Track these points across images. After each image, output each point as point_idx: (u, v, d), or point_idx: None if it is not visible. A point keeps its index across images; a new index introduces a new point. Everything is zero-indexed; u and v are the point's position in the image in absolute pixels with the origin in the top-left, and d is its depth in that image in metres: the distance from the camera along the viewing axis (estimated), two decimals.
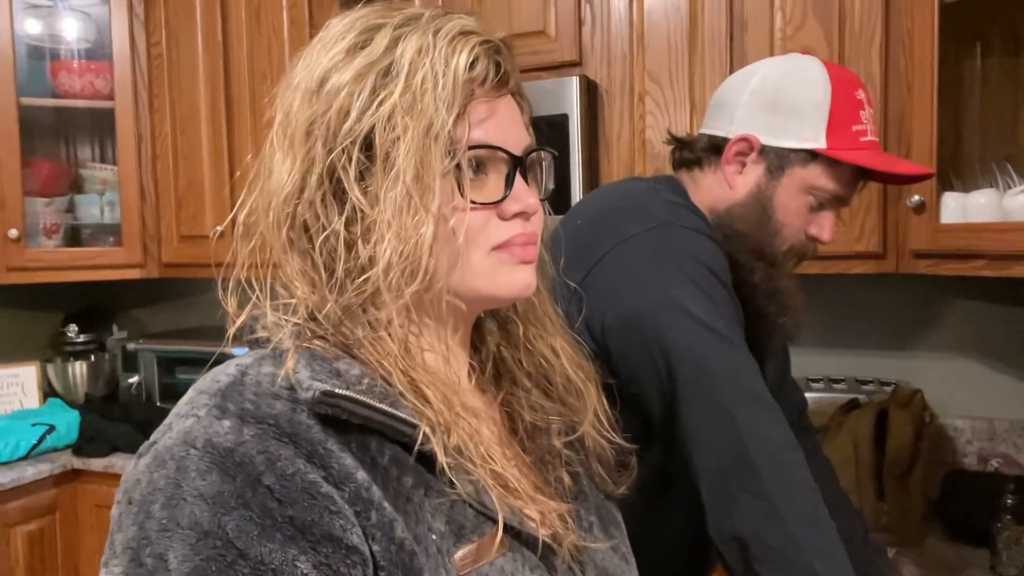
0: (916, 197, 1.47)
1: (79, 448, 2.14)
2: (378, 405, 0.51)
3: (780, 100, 0.98)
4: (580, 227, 0.97)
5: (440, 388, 0.56)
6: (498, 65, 0.57)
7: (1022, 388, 1.75)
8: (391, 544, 0.49)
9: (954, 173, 1.59)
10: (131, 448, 2.12)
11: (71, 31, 2.35)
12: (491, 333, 0.68)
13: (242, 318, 0.58)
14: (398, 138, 0.53)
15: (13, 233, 2.18)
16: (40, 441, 2.11)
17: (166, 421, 0.52)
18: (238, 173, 2.25)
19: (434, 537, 0.52)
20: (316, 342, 0.55)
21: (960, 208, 1.48)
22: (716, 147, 1.03)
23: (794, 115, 0.98)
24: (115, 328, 2.65)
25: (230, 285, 0.58)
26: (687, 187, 1.05)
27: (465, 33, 0.56)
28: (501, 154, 0.57)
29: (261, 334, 0.56)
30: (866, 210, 1.59)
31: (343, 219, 0.54)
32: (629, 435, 0.93)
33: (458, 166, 0.54)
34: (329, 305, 0.54)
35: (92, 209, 2.41)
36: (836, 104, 0.97)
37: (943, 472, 1.63)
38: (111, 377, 2.52)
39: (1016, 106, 1.64)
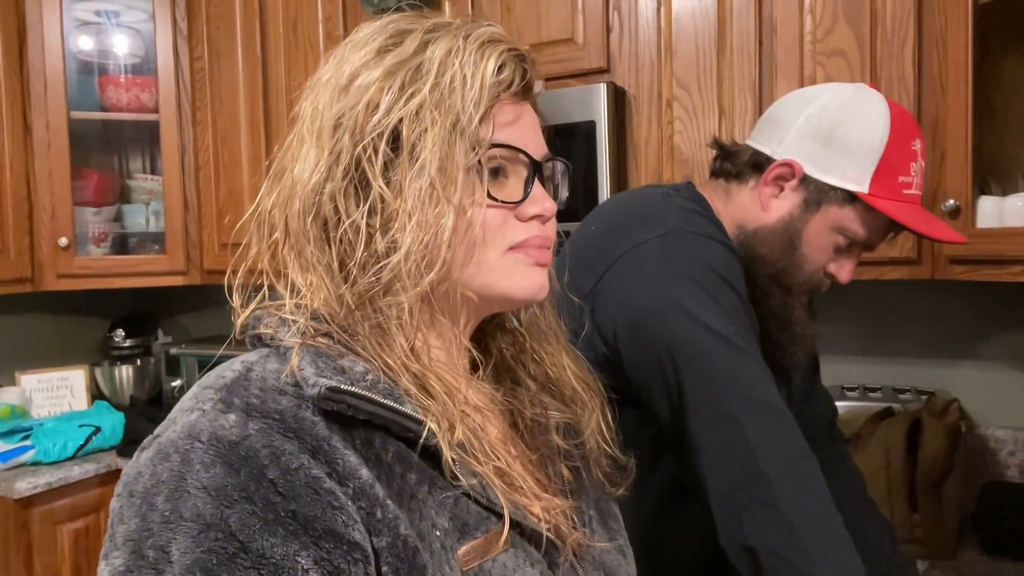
0: (951, 201, 1.44)
1: (123, 449, 2.21)
2: (382, 401, 0.52)
3: (835, 134, 0.95)
4: (593, 233, 0.98)
5: (444, 383, 0.57)
6: (524, 73, 0.59)
7: None
8: (396, 540, 0.50)
9: (990, 177, 1.55)
10: None
11: (121, 47, 2.44)
12: (494, 338, 0.69)
13: (246, 314, 0.59)
14: (425, 131, 0.54)
15: (63, 241, 2.27)
16: (87, 442, 2.18)
17: (170, 416, 0.53)
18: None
19: (438, 533, 0.52)
20: (320, 339, 0.55)
21: (997, 212, 1.44)
22: (758, 164, 1.00)
23: (844, 153, 0.95)
24: (160, 333, 2.74)
25: (237, 280, 0.60)
26: (717, 197, 1.04)
27: (494, 40, 0.58)
28: (523, 157, 0.59)
29: (264, 331, 0.57)
30: None
31: (365, 210, 0.55)
32: (644, 441, 0.93)
33: (480, 163, 0.56)
34: (343, 293, 0.55)
35: (138, 218, 2.49)
36: (889, 151, 0.94)
37: (981, 484, 1.58)
38: (156, 381, 2.59)
39: None
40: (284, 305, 0.58)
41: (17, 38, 2.21)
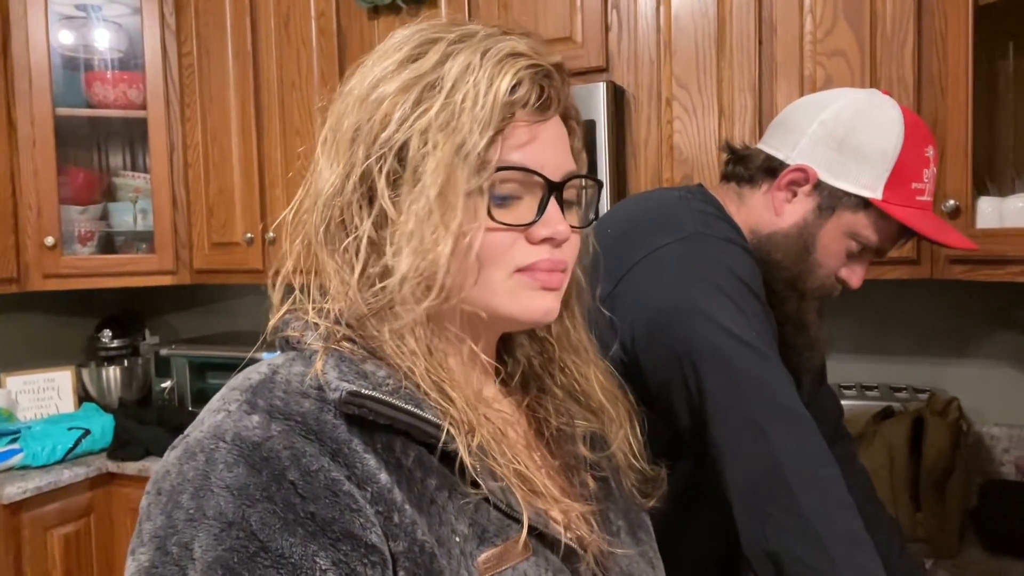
0: (951, 202, 1.45)
1: (113, 451, 2.18)
2: (403, 406, 0.52)
3: (849, 140, 0.95)
4: (609, 237, 0.97)
5: (463, 390, 0.57)
6: (542, 89, 0.57)
7: None
8: (413, 545, 0.50)
9: (989, 177, 1.56)
10: (164, 452, 2.13)
11: (107, 42, 2.40)
12: (521, 346, 0.69)
13: (276, 317, 0.60)
14: (428, 153, 0.54)
15: (49, 241, 2.23)
16: (76, 445, 2.15)
17: (199, 416, 0.54)
18: (289, 177, 2.27)
19: (457, 539, 0.52)
20: (344, 344, 0.56)
21: (996, 213, 1.45)
22: (771, 169, 1.00)
23: (859, 159, 0.95)
24: (148, 333, 2.70)
25: (278, 282, 0.59)
26: (730, 200, 1.03)
27: (514, 55, 0.56)
28: (536, 178, 0.57)
29: (291, 334, 0.58)
30: None
31: (371, 221, 0.55)
32: (660, 446, 0.92)
33: (483, 188, 0.55)
34: (355, 302, 0.56)
35: (125, 217, 2.45)
36: (903, 158, 0.94)
37: (979, 481, 1.60)
38: (144, 382, 2.56)
39: None
40: (310, 310, 0.59)
41: (1, 33, 2.16)
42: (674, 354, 0.87)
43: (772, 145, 1.02)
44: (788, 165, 0.98)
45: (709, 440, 0.86)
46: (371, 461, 0.51)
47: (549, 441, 0.66)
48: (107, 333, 2.58)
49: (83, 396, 2.50)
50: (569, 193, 0.61)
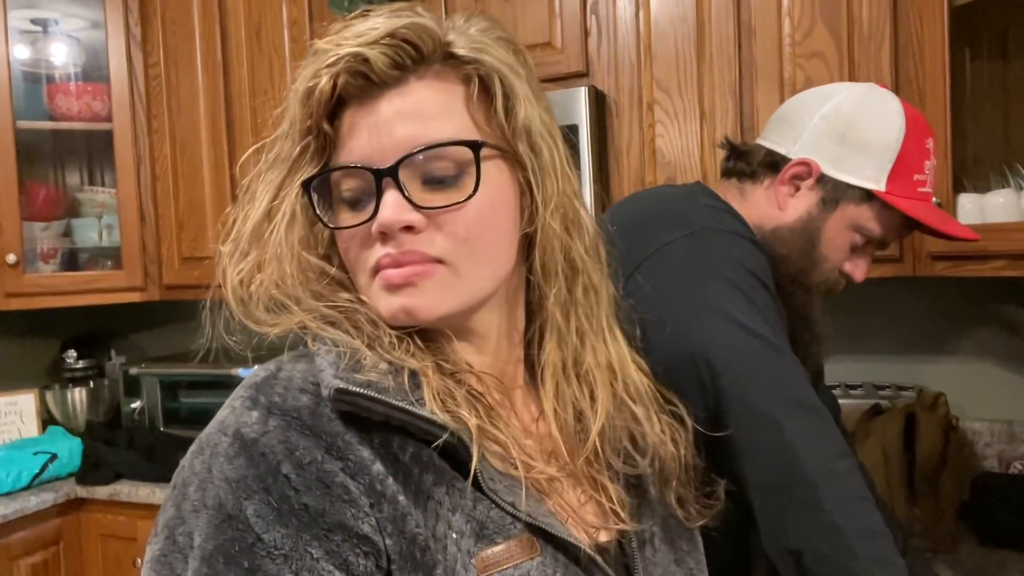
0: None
1: (82, 476, 2.09)
2: (396, 403, 0.51)
3: (851, 133, 0.96)
4: (615, 234, 0.95)
5: (473, 389, 0.56)
6: (355, 74, 0.54)
7: None
8: (402, 538, 0.50)
9: (964, 175, 1.59)
10: (135, 475, 2.08)
11: (61, 55, 2.32)
12: (540, 343, 0.66)
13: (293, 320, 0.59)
14: (266, 167, 0.58)
15: (11, 258, 2.14)
16: (42, 470, 2.06)
17: (218, 412, 0.55)
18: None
19: (453, 535, 0.52)
20: (330, 330, 0.56)
21: (977, 209, 1.47)
22: (773, 164, 1.00)
23: (862, 151, 0.95)
24: (113, 353, 2.61)
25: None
26: (731, 197, 1.03)
27: (317, 52, 0.55)
28: (357, 170, 0.55)
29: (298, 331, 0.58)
30: None
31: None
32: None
33: (313, 194, 0.57)
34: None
35: (90, 233, 2.37)
36: (905, 149, 0.95)
37: (967, 476, 1.61)
38: (111, 403, 2.47)
39: None
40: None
41: None
42: (687, 352, 0.85)
43: (773, 140, 1.01)
44: (790, 159, 0.98)
45: (725, 437, 0.84)
46: (365, 453, 0.51)
47: (573, 440, 0.64)
48: (72, 354, 2.48)
49: (47, 420, 2.40)
50: (440, 166, 0.54)
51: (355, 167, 0.55)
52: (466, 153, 0.55)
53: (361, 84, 0.54)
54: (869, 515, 0.81)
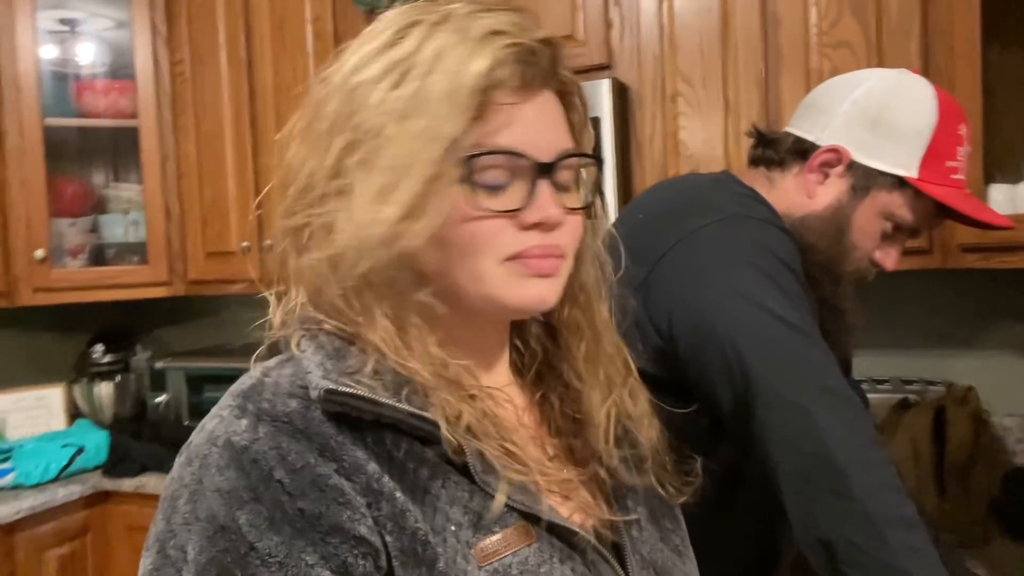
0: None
1: (109, 469, 2.12)
2: (385, 401, 0.52)
3: (882, 118, 0.94)
4: (641, 222, 0.95)
5: (464, 382, 0.57)
6: (525, 68, 0.55)
7: None
8: (403, 534, 0.50)
9: (998, 166, 1.56)
10: (160, 468, 2.10)
11: (88, 55, 2.35)
12: (536, 336, 0.67)
13: (277, 323, 0.59)
14: (396, 138, 0.52)
15: (39, 254, 2.17)
16: (70, 463, 2.09)
17: (201, 422, 0.54)
18: (269, 186, 2.24)
19: (452, 528, 0.52)
20: (322, 337, 0.55)
21: (1009, 200, 1.45)
22: (802, 151, 0.98)
23: (893, 137, 0.94)
24: (139, 348, 2.64)
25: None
26: (760, 185, 1.01)
27: (494, 33, 0.54)
28: (522, 160, 0.55)
29: (279, 333, 0.58)
30: None
31: (339, 201, 0.54)
32: (698, 434, 0.90)
33: (467, 172, 0.53)
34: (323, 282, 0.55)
35: (117, 228, 2.40)
36: (938, 136, 0.93)
37: (998, 472, 1.58)
38: (137, 397, 2.50)
39: None
40: (293, 310, 0.58)
41: None
42: (715, 338, 0.85)
43: (802, 127, 1.00)
44: (819, 147, 0.97)
45: (754, 426, 0.83)
46: (359, 453, 0.51)
47: (563, 431, 0.65)
48: (99, 348, 2.51)
49: (74, 413, 2.44)
50: (566, 174, 0.58)
51: (520, 155, 0.55)
52: (590, 167, 0.61)
53: (523, 76, 0.55)
54: (902, 504, 0.80)
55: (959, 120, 0.96)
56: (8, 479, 1.99)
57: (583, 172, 0.61)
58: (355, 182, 0.53)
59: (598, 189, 0.64)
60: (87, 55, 2.35)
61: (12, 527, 1.89)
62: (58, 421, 2.38)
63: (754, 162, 1.04)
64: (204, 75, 2.28)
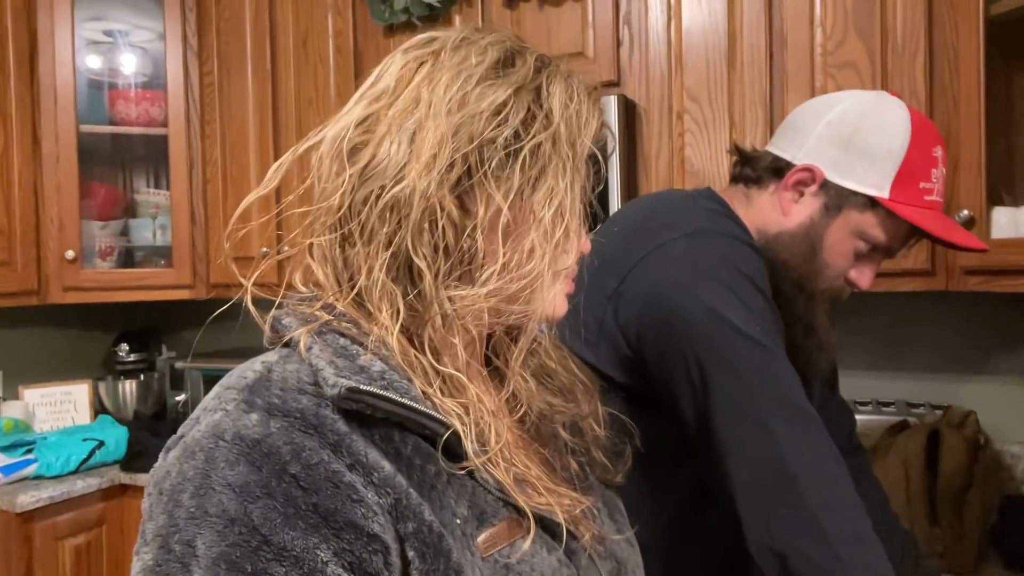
0: (965, 212, 1.43)
1: (127, 463, 2.19)
2: (400, 400, 0.53)
3: (855, 139, 0.95)
4: (616, 234, 0.97)
5: (462, 384, 0.58)
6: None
7: None
8: (422, 526, 0.51)
9: (1004, 188, 1.54)
10: None
11: (130, 64, 2.45)
12: (494, 336, 0.70)
13: (270, 316, 0.61)
14: (552, 163, 0.58)
15: (70, 254, 2.27)
16: (90, 456, 2.16)
17: (192, 415, 0.54)
18: (289, 197, 2.30)
19: (458, 521, 0.54)
20: (328, 336, 0.56)
21: (1012, 223, 1.43)
22: (778, 170, 1.00)
23: (865, 158, 0.95)
24: (164, 348, 2.72)
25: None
26: (738, 202, 1.03)
27: (593, 90, 0.64)
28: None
29: (284, 325, 0.59)
30: None
31: (475, 219, 0.56)
32: (667, 445, 0.92)
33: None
34: (431, 301, 0.56)
35: (145, 232, 2.49)
36: (910, 157, 0.94)
37: (998, 500, 1.56)
38: (160, 395, 2.57)
39: None
40: (301, 303, 0.60)
41: (28, 53, 2.22)
42: (679, 350, 0.86)
43: (779, 146, 1.02)
44: (795, 165, 0.98)
45: (714, 436, 0.84)
46: (372, 452, 0.52)
47: (530, 427, 0.67)
48: (124, 347, 2.60)
49: (99, 409, 2.52)
50: None
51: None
52: None
53: None
54: (857, 521, 0.80)
55: (934, 142, 0.96)
56: (30, 469, 2.07)
57: None
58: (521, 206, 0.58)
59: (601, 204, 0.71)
60: (127, 66, 2.45)
61: (31, 515, 1.97)
62: (83, 416, 2.47)
63: (734, 179, 1.06)
64: (231, 86, 2.36)
